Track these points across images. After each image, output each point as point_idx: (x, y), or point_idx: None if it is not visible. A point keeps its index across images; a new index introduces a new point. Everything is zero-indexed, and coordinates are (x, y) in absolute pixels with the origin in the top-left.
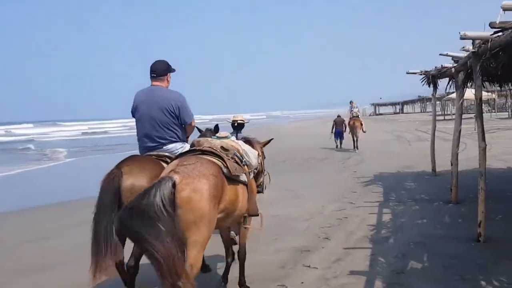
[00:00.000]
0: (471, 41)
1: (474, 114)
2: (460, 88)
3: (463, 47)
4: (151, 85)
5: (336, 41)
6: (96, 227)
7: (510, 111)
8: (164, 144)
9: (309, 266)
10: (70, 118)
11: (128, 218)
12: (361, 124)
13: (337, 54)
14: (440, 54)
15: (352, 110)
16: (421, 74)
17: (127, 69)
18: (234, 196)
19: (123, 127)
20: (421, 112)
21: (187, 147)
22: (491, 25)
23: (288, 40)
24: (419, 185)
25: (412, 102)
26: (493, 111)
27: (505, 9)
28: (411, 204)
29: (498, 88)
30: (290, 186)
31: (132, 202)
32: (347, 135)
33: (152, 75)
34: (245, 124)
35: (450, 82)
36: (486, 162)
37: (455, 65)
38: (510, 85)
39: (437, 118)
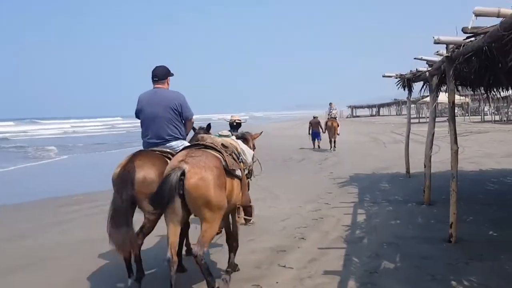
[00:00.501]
0: (445, 45)
1: (447, 117)
2: (434, 92)
3: (437, 52)
4: (153, 87)
5: (316, 44)
6: (115, 212)
7: (482, 115)
8: (168, 141)
9: (284, 266)
10: (48, 116)
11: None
12: (338, 125)
13: (317, 56)
14: (415, 58)
15: (330, 112)
16: (396, 78)
17: (108, 67)
18: (230, 187)
19: (104, 126)
20: (396, 115)
21: (186, 144)
22: (464, 30)
23: (271, 41)
24: (393, 187)
25: (388, 105)
26: (467, 114)
27: (477, 15)
28: (385, 205)
29: (472, 92)
30: (268, 186)
31: (159, 185)
32: (324, 135)
33: (154, 79)
34: (241, 123)
35: (425, 85)
36: (459, 164)
37: (430, 69)
38: (482, 89)
39: (412, 121)
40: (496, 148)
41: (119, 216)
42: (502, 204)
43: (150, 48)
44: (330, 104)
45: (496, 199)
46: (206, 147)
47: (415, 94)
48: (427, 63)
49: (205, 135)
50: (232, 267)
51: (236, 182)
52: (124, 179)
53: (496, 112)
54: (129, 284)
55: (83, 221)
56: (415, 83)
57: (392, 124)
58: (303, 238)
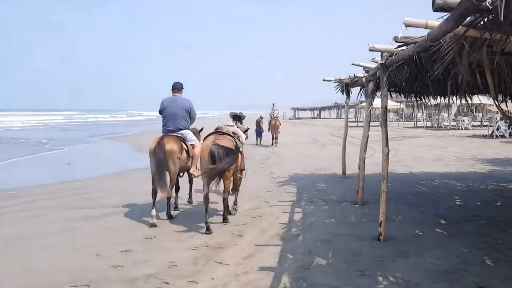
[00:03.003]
0: (380, 53)
1: (380, 122)
2: (370, 97)
3: (373, 59)
4: (173, 95)
5: (260, 45)
6: (157, 169)
7: (415, 121)
8: (180, 130)
9: (220, 263)
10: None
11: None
12: (280, 124)
13: (262, 58)
14: (352, 64)
15: (273, 111)
16: (335, 82)
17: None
18: (238, 157)
19: (67, 120)
20: (337, 118)
21: (190, 133)
22: (395, 39)
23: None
24: (330, 187)
25: (329, 108)
26: (401, 120)
27: (407, 25)
28: (321, 204)
29: (405, 99)
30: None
31: (217, 152)
32: (266, 132)
33: (174, 89)
34: (242, 116)
35: (362, 90)
36: (391, 167)
37: (366, 75)
38: (413, 96)
39: (350, 124)
40: (427, 153)
41: (159, 171)
42: (428, 205)
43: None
44: (273, 104)
45: (423, 200)
46: (224, 133)
47: (353, 98)
48: (363, 69)
49: (221, 125)
50: (236, 202)
51: (240, 155)
52: (159, 149)
53: (428, 119)
54: (153, 215)
55: (15, 216)
56: (353, 88)
57: (332, 126)
58: (240, 235)
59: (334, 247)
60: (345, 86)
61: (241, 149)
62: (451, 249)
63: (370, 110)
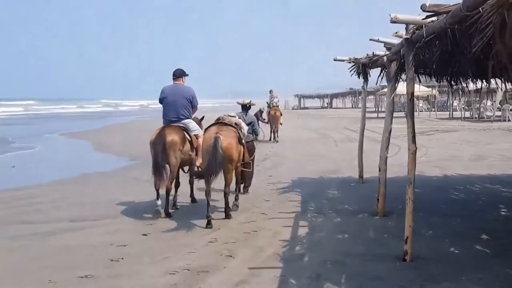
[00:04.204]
0: (404, 26)
1: (405, 112)
2: (392, 81)
3: (396, 33)
4: (173, 83)
5: (251, 18)
6: (155, 162)
7: (451, 110)
8: (182, 119)
9: None
10: None
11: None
12: (281, 115)
13: (253, 36)
14: (370, 40)
15: (272, 100)
16: (349, 62)
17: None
18: (240, 150)
19: (25, 111)
20: (352, 107)
21: (193, 122)
22: (423, 8)
23: (201, 23)
24: (343, 194)
25: (342, 95)
26: (433, 109)
27: None
28: (332, 215)
29: (438, 84)
30: (195, 192)
31: (211, 148)
32: (263, 125)
33: (173, 77)
34: (251, 105)
35: (382, 73)
36: (420, 168)
37: (387, 53)
38: (447, 80)
39: (369, 115)
40: (464, 150)
41: (158, 164)
42: (467, 215)
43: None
44: (271, 91)
45: (460, 210)
46: (226, 124)
47: (372, 83)
48: (384, 46)
49: (224, 116)
50: (237, 198)
51: (242, 146)
52: (159, 140)
53: (466, 108)
54: (157, 204)
55: None
56: (372, 70)
57: (346, 118)
58: (231, 256)
59: (348, 270)
60: (362, 68)
61: (243, 141)
62: (495, 271)
63: (393, 98)
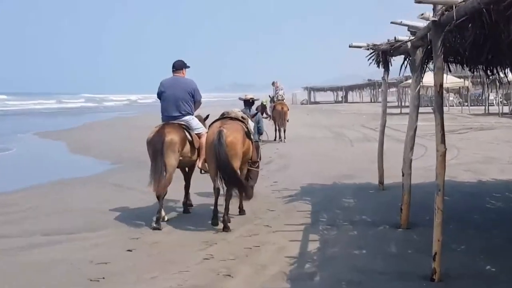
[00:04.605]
0: (431, 6)
1: (433, 107)
2: (418, 71)
3: (422, 14)
4: (173, 75)
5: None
6: (154, 163)
7: (487, 105)
8: (183, 115)
9: None
10: None
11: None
12: (288, 110)
13: (260, 23)
14: (391, 23)
15: (276, 93)
16: (368, 49)
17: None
18: (248, 145)
19: None
20: (370, 101)
21: (195, 119)
22: None
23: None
24: (360, 202)
25: (359, 87)
26: (466, 104)
27: None
28: (347, 228)
29: (472, 74)
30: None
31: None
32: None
33: (173, 69)
34: (255, 100)
35: (406, 61)
36: (451, 173)
37: (412, 38)
38: (482, 69)
39: (390, 111)
40: (502, 151)
41: (155, 164)
42: (504, 227)
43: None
44: (274, 83)
45: (498, 221)
46: (232, 118)
47: (394, 73)
48: (408, 30)
49: (229, 110)
50: (241, 206)
51: (250, 142)
52: (158, 139)
53: (505, 102)
54: (154, 218)
55: None
56: (393, 58)
57: (363, 114)
58: (229, 275)
59: None
60: (382, 55)
61: (252, 137)
62: None
63: (419, 90)
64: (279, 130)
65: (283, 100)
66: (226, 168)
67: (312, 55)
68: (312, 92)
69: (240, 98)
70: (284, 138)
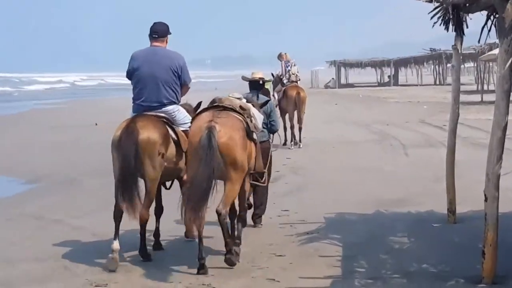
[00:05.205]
0: None
1: None
2: (510, 36)
3: None
4: (151, 45)
5: None
6: (122, 175)
7: None
8: (165, 105)
9: None
10: None
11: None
12: (306, 97)
13: None
14: None
15: (288, 70)
16: (430, 1)
17: None
18: (250, 150)
19: None
20: (435, 84)
21: (182, 110)
22: None
23: None
24: (419, 243)
25: (416, 61)
26: None
27: None
28: (399, 283)
29: None
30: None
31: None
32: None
33: (154, 36)
34: (265, 82)
35: (491, 22)
36: None
37: None
38: None
39: (468, 98)
40: None
41: (125, 177)
42: None
43: None
44: (281, 56)
45: None
46: (226, 108)
47: (471, 39)
48: None
49: (223, 97)
50: (239, 239)
51: (253, 145)
52: (128, 139)
53: None
54: (113, 248)
55: None
56: (470, 17)
57: (423, 103)
58: None
59: None
60: (453, 12)
61: (255, 136)
62: None
63: (511, 65)
64: (292, 129)
65: (297, 81)
66: (220, 178)
67: (339, 12)
68: (342, 69)
69: (244, 78)
70: (300, 141)
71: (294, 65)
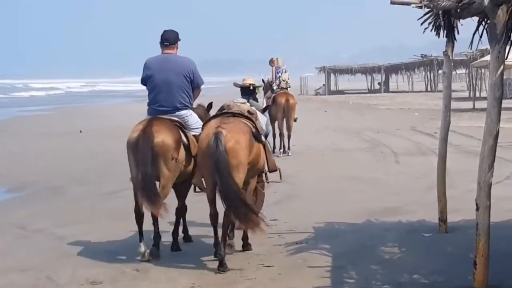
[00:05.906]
0: None
1: None
2: (500, 41)
3: None
4: (162, 53)
5: None
6: (143, 174)
7: None
8: (178, 109)
9: None
10: None
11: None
12: (295, 103)
13: None
14: None
15: (278, 76)
16: (421, 7)
17: None
18: (258, 151)
19: None
20: (426, 90)
21: (194, 115)
22: None
23: None
24: (410, 253)
25: (408, 67)
26: None
27: None
28: None
29: None
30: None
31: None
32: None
33: (165, 43)
34: (256, 88)
35: (482, 27)
36: None
37: None
38: None
39: (459, 105)
40: None
41: (144, 177)
42: None
43: None
44: (273, 61)
45: None
46: (234, 114)
47: (462, 45)
48: None
49: (231, 103)
50: (232, 232)
51: (261, 147)
52: (144, 142)
53: None
54: (141, 251)
55: None
56: (461, 22)
57: (413, 109)
58: None
59: None
60: (445, 17)
61: (263, 138)
62: None
63: (503, 72)
64: (281, 136)
65: (288, 88)
66: (227, 184)
67: (329, 15)
68: (332, 76)
69: (235, 84)
70: (289, 149)
71: (285, 72)
